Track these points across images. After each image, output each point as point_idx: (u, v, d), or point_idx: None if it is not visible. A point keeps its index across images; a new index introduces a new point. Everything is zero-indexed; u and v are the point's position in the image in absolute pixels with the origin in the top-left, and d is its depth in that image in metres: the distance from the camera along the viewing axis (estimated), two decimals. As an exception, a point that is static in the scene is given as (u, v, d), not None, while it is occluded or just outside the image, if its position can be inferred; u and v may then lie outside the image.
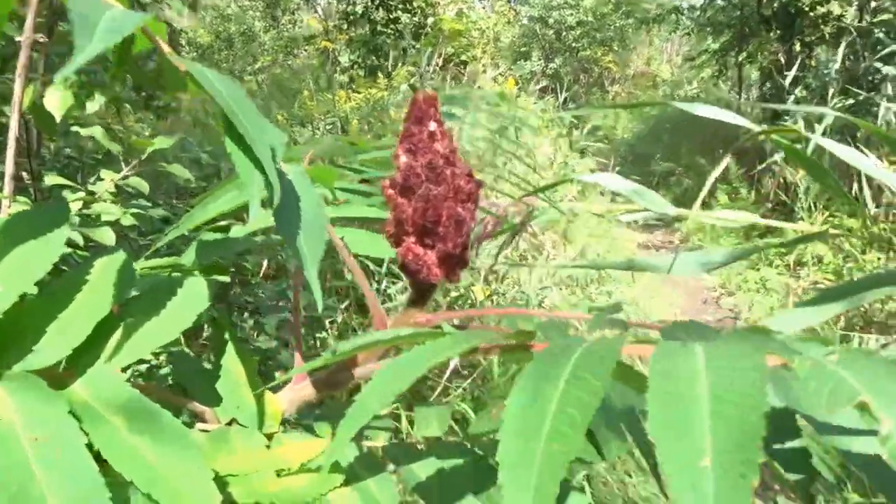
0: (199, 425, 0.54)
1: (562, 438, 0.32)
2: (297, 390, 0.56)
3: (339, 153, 0.90)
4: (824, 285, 4.75)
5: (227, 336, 0.58)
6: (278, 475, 0.51)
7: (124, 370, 0.45)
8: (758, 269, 5.17)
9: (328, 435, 0.57)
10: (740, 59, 7.63)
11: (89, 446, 0.39)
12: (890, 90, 5.47)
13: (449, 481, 0.57)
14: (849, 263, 4.71)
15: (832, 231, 1.15)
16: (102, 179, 1.35)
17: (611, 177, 1.15)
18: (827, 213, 5.42)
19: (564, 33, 9.23)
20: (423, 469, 0.57)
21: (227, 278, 0.82)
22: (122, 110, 3.07)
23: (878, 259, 4.57)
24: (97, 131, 1.34)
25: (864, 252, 4.75)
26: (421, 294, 0.57)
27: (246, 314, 2.20)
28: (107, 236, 1.20)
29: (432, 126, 0.53)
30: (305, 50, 4.38)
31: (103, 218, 1.26)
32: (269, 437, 0.54)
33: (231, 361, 0.56)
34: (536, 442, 0.32)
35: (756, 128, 1.07)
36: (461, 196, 0.54)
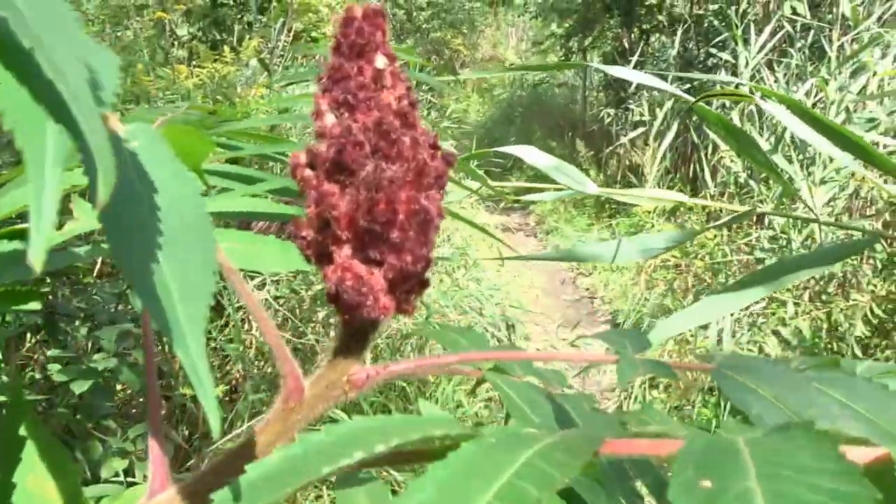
0: None
1: None
2: (156, 507, 0.33)
3: (198, 125, 0.67)
4: (672, 262, 4.97)
5: (24, 429, 0.33)
6: None
7: None
8: (611, 249, 5.35)
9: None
10: (585, 44, 7.82)
11: None
12: (724, 75, 5.80)
13: None
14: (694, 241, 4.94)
15: (759, 209, 1.06)
16: None
17: (530, 150, 0.99)
18: (672, 194, 5.68)
19: (415, 13, 9.06)
20: None
21: (37, 305, 0.57)
22: None
23: (715, 236, 4.82)
24: None
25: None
26: (359, 336, 0.36)
27: (77, 323, 1.83)
28: None
29: (380, 62, 0.31)
30: (137, 20, 3.92)
31: None
32: None
33: (33, 475, 0.32)
34: None
35: (691, 98, 0.95)
36: (426, 179, 0.33)
